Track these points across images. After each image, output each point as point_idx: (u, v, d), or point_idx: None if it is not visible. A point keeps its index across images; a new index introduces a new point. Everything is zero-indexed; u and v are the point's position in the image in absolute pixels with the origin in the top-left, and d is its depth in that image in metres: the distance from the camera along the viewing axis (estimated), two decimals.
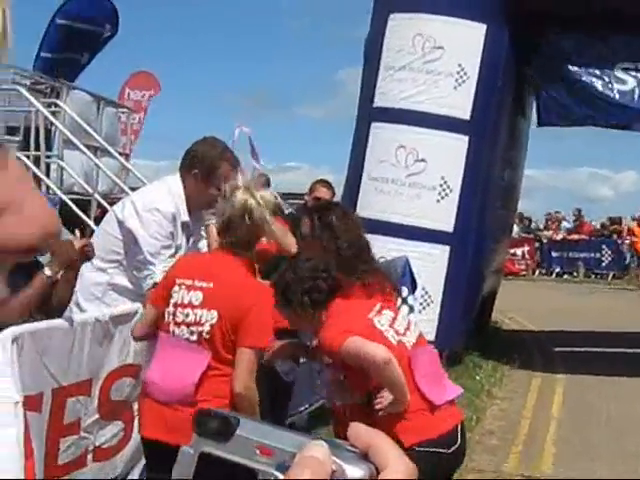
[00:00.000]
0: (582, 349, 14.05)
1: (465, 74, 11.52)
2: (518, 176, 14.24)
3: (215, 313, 4.15)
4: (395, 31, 11.84)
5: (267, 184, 10.22)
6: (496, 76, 11.68)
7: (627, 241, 30.40)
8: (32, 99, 11.66)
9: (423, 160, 11.40)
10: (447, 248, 11.40)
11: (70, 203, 11.07)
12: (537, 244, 31.55)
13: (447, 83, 11.53)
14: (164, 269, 4.76)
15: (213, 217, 5.41)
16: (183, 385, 4.14)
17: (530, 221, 34.03)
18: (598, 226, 32.86)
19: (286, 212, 9.64)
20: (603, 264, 30.39)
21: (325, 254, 4.52)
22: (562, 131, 14.28)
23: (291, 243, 5.92)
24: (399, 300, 6.28)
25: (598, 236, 31.81)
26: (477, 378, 10.70)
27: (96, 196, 11.77)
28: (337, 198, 9.09)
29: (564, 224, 33.00)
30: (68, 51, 15.34)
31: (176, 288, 4.26)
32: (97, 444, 4.89)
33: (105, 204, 10.90)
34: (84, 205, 11.70)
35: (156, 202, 5.16)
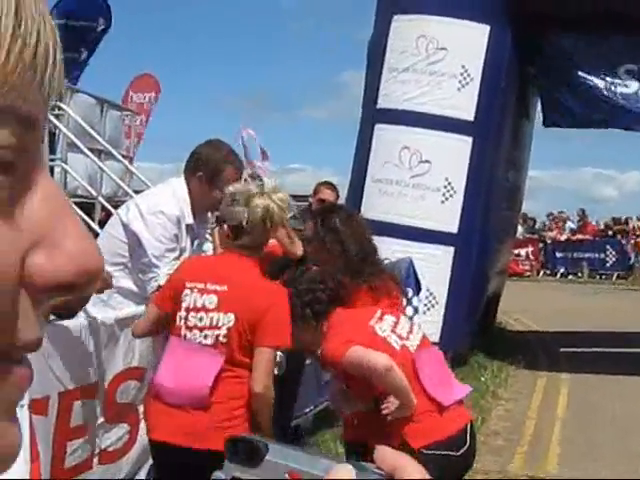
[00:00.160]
0: (587, 349, 14.05)
1: (469, 75, 11.53)
2: (522, 177, 14.25)
3: (232, 316, 4.13)
4: (398, 33, 11.86)
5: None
6: (499, 77, 11.68)
7: (632, 241, 30.37)
8: None
9: (427, 161, 11.40)
10: (451, 249, 11.41)
11: (74, 206, 11.06)
12: (541, 245, 31.53)
13: (451, 84, 11.54)
14: (168, 272, 4.76)
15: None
16: (197, 388, 4.13)
17: (534, 222, 34.01)
18: (602, 226, 32.85)
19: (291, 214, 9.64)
20: (607, 264, 30.38)
21: (330, 257, 4.53)
22: (566, 132, 14.31)
23: (297, 246, 5.94)
24: (404, 302, 6.29)
25: (602, 236, 31.80)
26: (482, 379, 10.69)
27: (100, 199, 11.77)
28: (341, 200, 9.11)
29: (568, 224, 32.97)
30: (67, 51, 15.34)
31: (187, 292, 4.24)
32: (103, 447, 4.90)
33: (109, 207, 10.91)
34: (88, 208, 11.69)
35: (161, 205, 5.17)
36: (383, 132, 11.80)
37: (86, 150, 11.21)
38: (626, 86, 12.59)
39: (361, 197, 11.66)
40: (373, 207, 11.12)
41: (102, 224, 9.08)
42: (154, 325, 4.42)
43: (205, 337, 4.17)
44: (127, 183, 12.18)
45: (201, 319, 4.18)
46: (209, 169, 5.19)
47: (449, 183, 11.41)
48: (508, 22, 11.64)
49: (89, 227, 10.84)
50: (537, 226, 33.91)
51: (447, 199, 11.43)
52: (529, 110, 13.48)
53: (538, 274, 30.86)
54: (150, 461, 4.86)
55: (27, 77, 0.52)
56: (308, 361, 6.28)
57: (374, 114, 11.99)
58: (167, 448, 4.12)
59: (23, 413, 3.76)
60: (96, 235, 7.95)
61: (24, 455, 3.62)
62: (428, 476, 0.66)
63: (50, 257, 0.54)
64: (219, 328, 4.15)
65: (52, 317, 4.41)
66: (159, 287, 4.81)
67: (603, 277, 30.39)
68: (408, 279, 7.77)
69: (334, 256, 4.52)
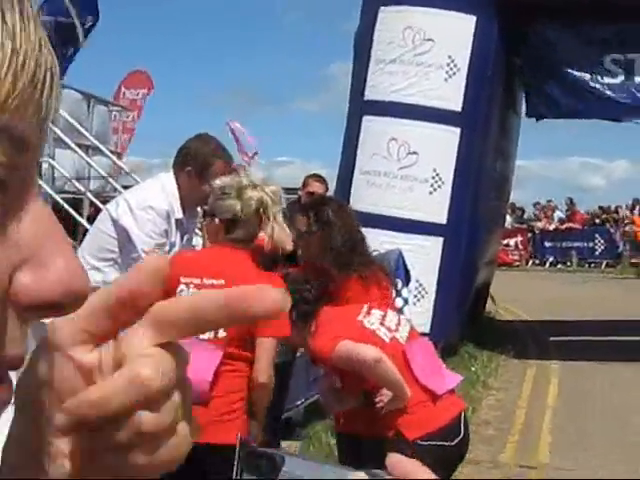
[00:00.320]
0: (576, 338, 14.09)
1: (455, 66, 11.53)
2: (510, 167, 14.28)
3: None
4: (385, 24, 11.85)
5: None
6: (486, 67, 11.69)
7: (621, 229, 30.41)
8: None
9: (415, 153, 11.41)
10: (440, 240, 11.42)
11: (62, 202, 11.06)
12: (530, 234, 31.60)
13: (438, 75, 11.54)
14: None
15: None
16: (197, 383, 4.12)
17: (523, 211, 34.07)
18: (590, 215, 32.96)
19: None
20: (596, 253, 30.48)
21: (321, 251, 4.53)
22: (554, 121, 14.31)
23: (286, 239, 5.94)
24: (394, 293, 6.30)
25: (591, 225, 31.88)
26: (472, 369, 10.73)
27: (88, 195, 11.76)
28: (330, 192, 9.11)
29: (557, 214, 33.04)
30: (55, 48, 15.32)
31: (182, 287, 4.21)
32: None
33: (97, 203, 10.90)
34: (76, 204, 11.69)
35: (150, 200, 5.17)
36: (371, 124, 11.80)
37: (74, 146, 11.19)
38: (612, 76, 12.61)
39: (349, 189, 11.67)
40: (361, 199, 11.12)
41: (90, 220, 9.09)
42: None
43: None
44: (115, 179, 12.17)
45: None
46: (198, 163, 5.19)
47: (437, 174, 11.42)
48: (494, 12, 11.65)
49: (77, 223, 10.84)
50: (525, 216, 33.97)
51: (435, 190, 11.44)
52: (516, 101, 13.50)
53: (527, 264, 30.95)
54: None
55: (24, 98, 0.53)
56: (298, 353, 6.29)
57: (362, 106, 11.99)
58: None
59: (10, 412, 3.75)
60: (84, 231, 7.95)
61: None
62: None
63: (36, 276, 0.55)
64: None
65: None
66: None
67: (592, 266, 30.49)
68: (397, 270, 7.78)
69: (325, 249, 4.53)
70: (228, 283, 4.16)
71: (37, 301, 0.55)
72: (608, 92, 12.62)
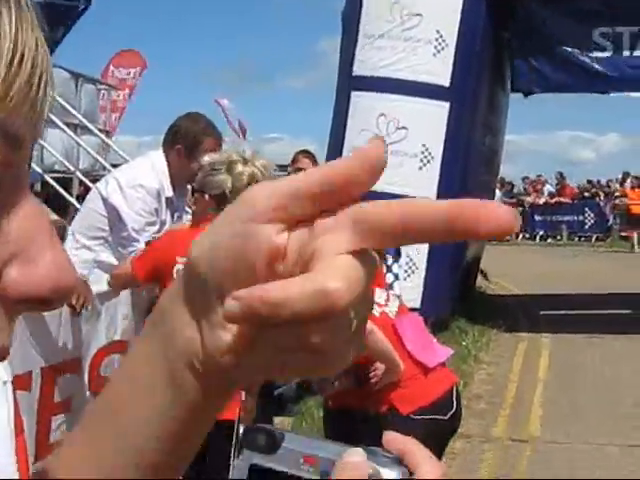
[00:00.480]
0: (567, 312, 14.15)
1: (444, 41, 11.50)
2: (499, 141, 14.28)
3: None
4: None
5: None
6: (474, 42, 11.66)
7: (615, 202, 30.41)
8: None
9: (404, 128, 11.40)
10: None
11: (52, 181, 11.04)
12: (520, 209, 31.63)
13: (426, 50, 11.51)
14: None
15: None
16: None
17: (512, 186, 34.09)
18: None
19: None
20: (586, 226, 30.55)
21: None
22: (544, 95, 14.31)
23: None
24: (384, 268, 6.31)
25: (580, 199, 31.93)
26: (464, 343, 10.76)
27: (77, 174, 11.74)
28: None
29: (547, 187, 33.07)
30: (45, 29, 15.25)
31: (179, 267, 4.17)
32: None
33: (87, 181, 10.88)
34: (65, 183, 11.67)
35: (140, 178, 5.16)
36: (359, 99, 11.77)
37: (62, 125, 11.16)
38: (601, 50, 12.61)
39: None
40: None
41: (80, 199, 9.07)
42: (124, 287, 4.62)
43: None
44: (104, 157, 12.14)
45: None
46: (188, 141, 5.19)
47: (427, 149, 11.41)
48: None
49: (67, 202, 10.82)
50: (515, 190, 34.00)
51: (425, 165, 11.44)
52: (504, 75, 13.48)
53: (517, 238, 30.97)
54: None
55: (20, 96, 0.53)
56: None
57: (350, 82, 11.96)
58: None
59: (7, 389, 3.77)
60: (74, 210, 7.94)
61: (10, 431, 3.63)
62: (436, 460, 0.68)
63: (25, 271, 0.55)
64: None
65: None
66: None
67: (582, 239, 30.58)
68: None
69: None
70: None
71: (26, 296, 0.55)
72: (597, 66, 12.63)
